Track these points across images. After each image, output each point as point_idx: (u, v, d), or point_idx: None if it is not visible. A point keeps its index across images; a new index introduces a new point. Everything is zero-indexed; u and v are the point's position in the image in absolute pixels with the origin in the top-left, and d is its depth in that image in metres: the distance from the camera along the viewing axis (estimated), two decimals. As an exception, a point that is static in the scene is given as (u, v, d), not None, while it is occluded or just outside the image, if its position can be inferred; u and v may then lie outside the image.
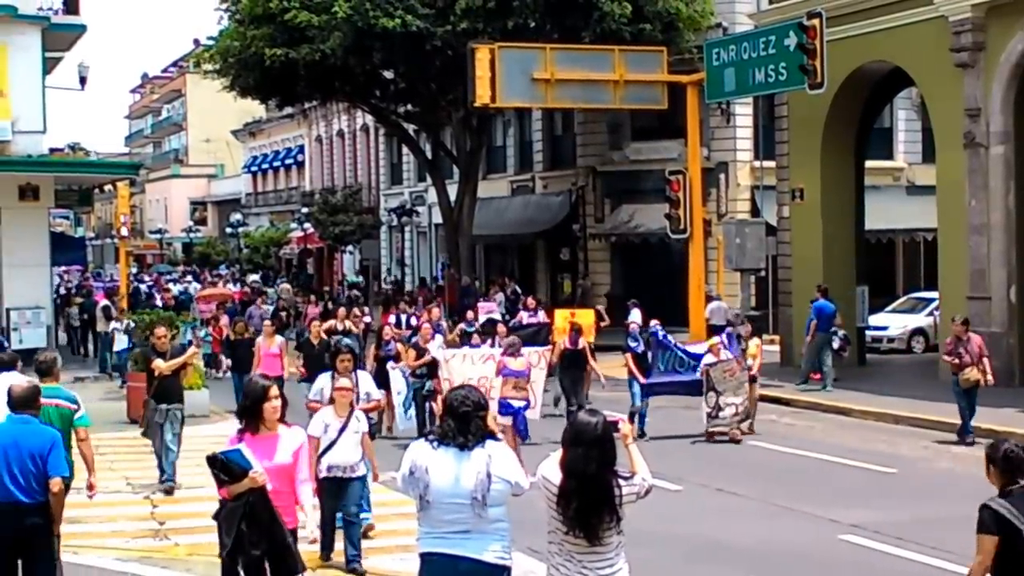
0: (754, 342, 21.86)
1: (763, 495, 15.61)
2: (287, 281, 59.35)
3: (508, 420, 17.15)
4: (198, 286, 52.11)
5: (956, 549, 12.55)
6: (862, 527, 13.54)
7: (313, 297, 43.72)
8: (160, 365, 16.04)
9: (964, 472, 16.77)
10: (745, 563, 12.42)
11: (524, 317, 28.44)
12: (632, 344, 21.19)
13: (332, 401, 12.04)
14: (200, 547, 12.87)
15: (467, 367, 18.40)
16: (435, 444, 7.13)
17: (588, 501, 6.76)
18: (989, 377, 19.56)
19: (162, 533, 13.58)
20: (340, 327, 25.22)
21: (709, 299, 31.15)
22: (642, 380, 20.58)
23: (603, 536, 6.81)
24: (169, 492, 15.69)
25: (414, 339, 21.50)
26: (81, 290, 44.67)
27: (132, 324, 27.10)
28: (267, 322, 23.13)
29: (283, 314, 37.03)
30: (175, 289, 51.30)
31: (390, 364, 20.43)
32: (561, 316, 26.60)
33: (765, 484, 16.39)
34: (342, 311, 27.93)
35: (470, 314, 28.83)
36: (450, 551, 7.10)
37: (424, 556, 7.26)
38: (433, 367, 19.41)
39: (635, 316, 26.46)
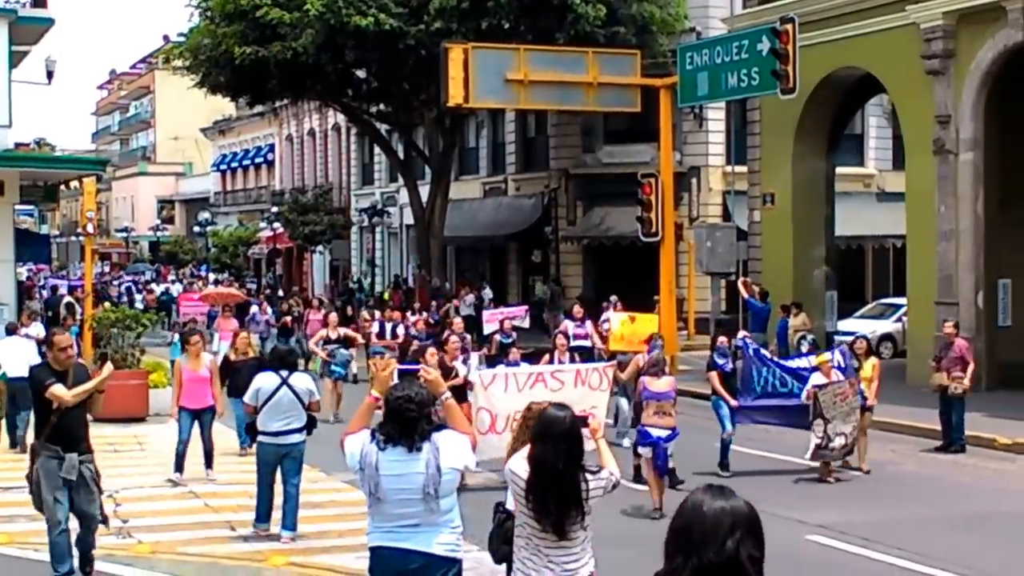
0: (871, 362, 18.42)
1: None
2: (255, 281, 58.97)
3: (649, 452, 14.75)
4: (180, 287, 51.30)
5: (921, 550, 12.65)
6: (829, 527, 13.59)
7: (316, 302, 37.88)
8: (61, 394, 10.71)
9: (930, 475, 16.90)
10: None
11: (569, 327, 24.20)
12: (720, 361, 17.63)
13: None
14: (163, 544, 12.86)
15: (512, 397, 14.90)
16: (382, 445, 7.04)
17: (556, 495, 6.74)
18: (962, 384, 19.20)
19: (125, 531, 13.44)
20: (332, 335, 23.31)
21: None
22: (732, 402, 17.22)
23: (570, 531, 6.79)
24: None
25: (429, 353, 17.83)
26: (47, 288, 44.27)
27: (77, 329, 26.73)
28: (195, 336, 17.58)
29: (288, 318, 34.87)
30: (157, 289, 50.48)
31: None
32: (619, 321, 23.79)
33: (733, 484, 16.23)
34: (333, 317, 25.41)
35: (507, 324, 25.72)
36: (400, 545, 7.09)
37: (374, 550, 7.23)
38: (461, 390, 15.40)
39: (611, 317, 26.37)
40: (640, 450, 15.06)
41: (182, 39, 44.03)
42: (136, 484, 15.83)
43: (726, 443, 17.21)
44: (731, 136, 37.70)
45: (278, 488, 13.20)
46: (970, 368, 19.46)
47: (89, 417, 11.29)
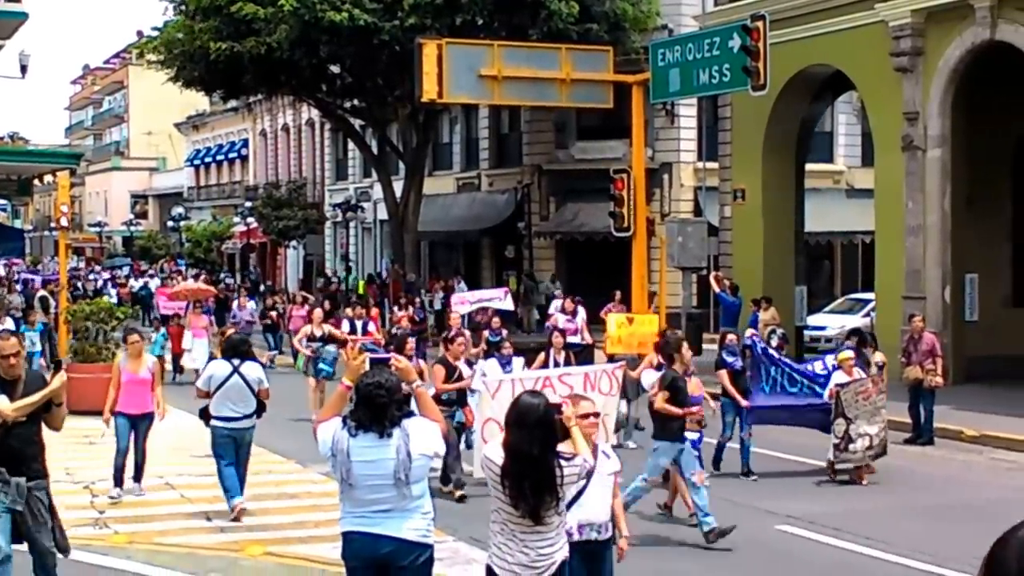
0: (878, 357, 18.18)
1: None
2: (231, 276, 58.80)
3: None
4: (158, 282, 50.84)
5: (889, 539, 12.90)
6: (798, 518, 13.78)
7: (300, 297, 36.80)
8: (1, 408, 8.98)
9: (899, 466, 17.12)
10: (682, 552, 12.61)
11: (560, 321, 23.89)
12: (729, 359, 17.14)
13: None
14: (139, 535, 12.98)
15: None
16: (353, 431, 7.17)
17: (531, 481, 6.88)
18: (936, 379, 19.54)
19: (101, 522, 13.58)
20: (318, 333, 22.34)
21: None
22: (744, 403, 16.78)
23: (545, 516, 6.94)
24: None
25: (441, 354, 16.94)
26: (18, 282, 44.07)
27: (43, 325, 26.66)
28: (134, 336, 15.69)
29: (273, 313, 34.19)
30: (134, 284, 50.10)
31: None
32: (615, 322, 22.96)
33: (715, 480, 16.47)
34: (318, 314, 24.14)
35: (496, 321, 24.48)
36: (371, 530, 7.19)
37: (346, 535, 7.35)
38: (464, 392, 15.32)
39: (580, 313, 26.61)
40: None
41: (156, 34, 43.98)
42: (112, 475, 15.90)
43: (722, 445, 16.83)
44: (702, 132, 38.00)
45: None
46: (939, 361, 19.79)
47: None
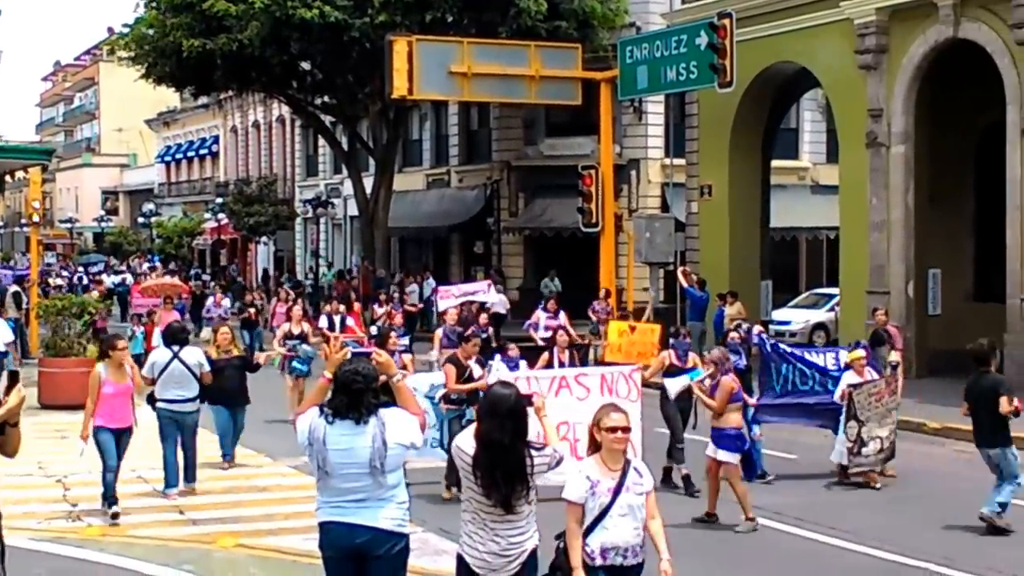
0: (894, 356, 17.60)
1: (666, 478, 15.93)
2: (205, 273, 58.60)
3: (735, 458, 13.50)
4: (131, 278, 50.32)
5: (853, 529, 13.14)
6: (764, 508, 13.83)
7: (284, 292, 34.20)
8: None
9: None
10: (648, 544, 12.79)
11: (542, 319, 23.49)
12: (732, 358, 15.76)
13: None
14: (112, 528, 13.05)
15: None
16: (330, 419, 7.26)
17: (503, 470, 7.00)
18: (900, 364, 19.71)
19: (75, 515, 13.69)
20: (296, 330, 21.19)
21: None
22: (751, 401, 15.69)
23: (516, 505, 7.06)
24: None
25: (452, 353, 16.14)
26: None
27: (14, 322, 26.60)
28: (121, 342, 13.92)
29: (252, 310, 33.00)
30: (109, 281, 49.72)
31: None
32: (616, 330, 22.68)
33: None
34: (297, 311, 22.80)
35: (484, 318, 23.23)
36: (347, 519, 7.26)
37: (322, 525, 7.42)
38: (475, 392, 14.21)
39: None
40: (722, 456, 13.47)
41: (127, 30, 43.95)
42: (85, 468, 15.96)
43: (748, 447, 15.11)
44: (670, 129, 38.21)
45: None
46: (899, 353, 19.99)
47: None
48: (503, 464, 7.01)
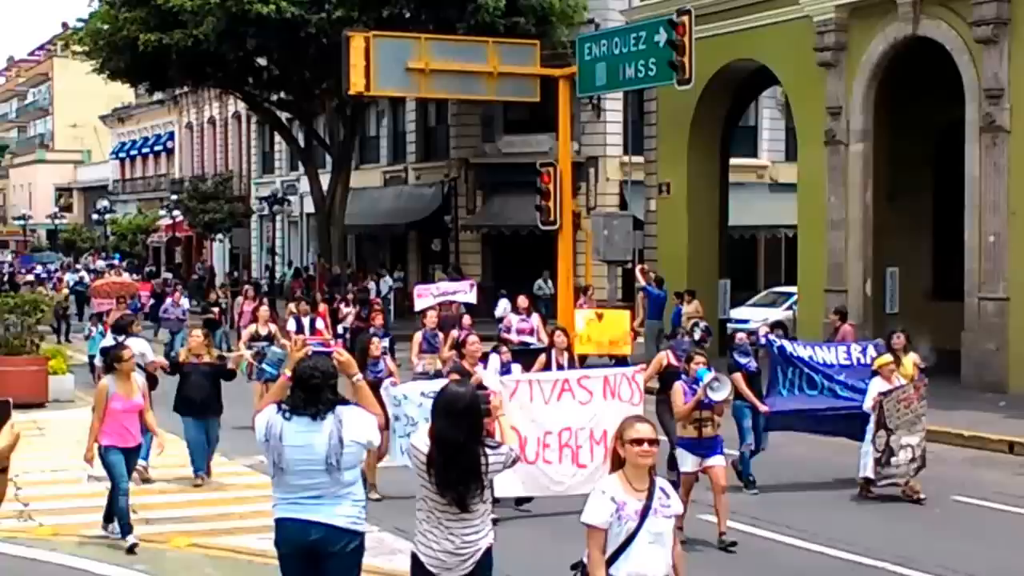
0: (910, 358, 16.13)
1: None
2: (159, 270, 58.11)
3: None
4: (88, 276, 49.38)
5: (811, 528, 13.09)
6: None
7: (251, 290, 32.51)
8: None
9: (816, 457, 17.26)
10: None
11: (514, 322, 22.63)
12: (743, 360, 15.50)
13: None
14: (64, 527, 12.95)
15: (538, 409, 13.14)
16: (287, 415, 7.26)
17: (458, 469, 6.95)
18: None
19: (26, 514, 13.50)
20: (263, 331, 20.32)
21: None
22: (763, 408, 15.21)
23: (471, 503, 7.00)
24: None
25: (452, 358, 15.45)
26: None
27: None
28: (127, 351, 12.84)
29: (216, 309, 32.39)
30: (69, 278, 48.54)
31: (387, 383, 14.40)
32: (584, 319, 21.73)
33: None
34: (264, 311, 21.63)
35: (467, 319, 21.02)
36: (303, 516, 7.25)
37: (278, 521, 7.40)
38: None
39: (504, 307, 26.62)
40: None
41: (82, 24, 43.54)
42: (37, 468, 15.80)
43: (746, 456, 15.38)
44: (628, 126, 38.24)
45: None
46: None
47: None
48: (457, 463, 6.95)
